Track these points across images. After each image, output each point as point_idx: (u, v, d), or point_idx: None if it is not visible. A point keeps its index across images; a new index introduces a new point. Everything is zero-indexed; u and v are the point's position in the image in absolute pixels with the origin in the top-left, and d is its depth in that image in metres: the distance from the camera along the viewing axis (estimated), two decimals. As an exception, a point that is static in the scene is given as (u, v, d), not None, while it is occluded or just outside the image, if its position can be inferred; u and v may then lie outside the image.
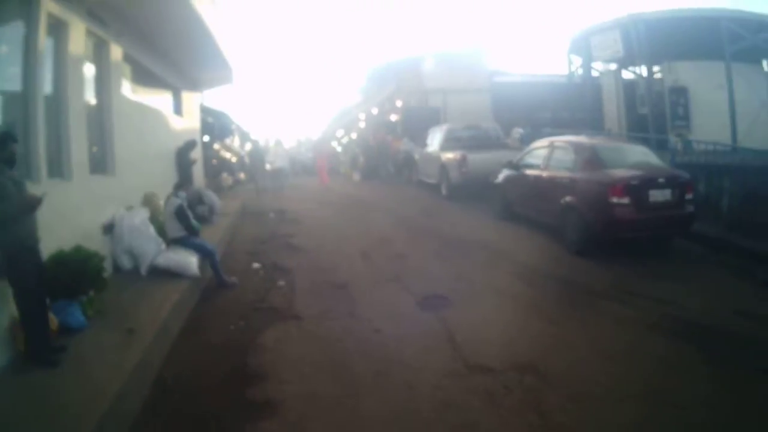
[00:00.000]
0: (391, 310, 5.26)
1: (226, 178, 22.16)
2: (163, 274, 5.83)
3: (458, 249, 7.74)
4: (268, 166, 24.12)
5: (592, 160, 7.61)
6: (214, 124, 22.68)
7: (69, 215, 4.96)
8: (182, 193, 6.59)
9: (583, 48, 19.55)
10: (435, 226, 9.58)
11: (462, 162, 12.07)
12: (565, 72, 21.41)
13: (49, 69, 5.07)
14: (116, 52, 6.88)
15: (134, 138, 7.48)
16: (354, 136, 29.16)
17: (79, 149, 5.46)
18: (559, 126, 17.79)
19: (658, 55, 16.90)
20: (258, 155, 21.78)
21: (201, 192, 9.96)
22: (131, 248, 6.05)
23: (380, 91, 25.74)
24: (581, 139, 9.07)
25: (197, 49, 9.78)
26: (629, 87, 20.04)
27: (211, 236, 8.11)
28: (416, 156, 15.84)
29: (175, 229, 6.25)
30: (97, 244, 5.45)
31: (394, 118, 23.30)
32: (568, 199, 7.56)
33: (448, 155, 12.89)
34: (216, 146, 24.64)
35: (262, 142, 56.08)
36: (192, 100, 12.23)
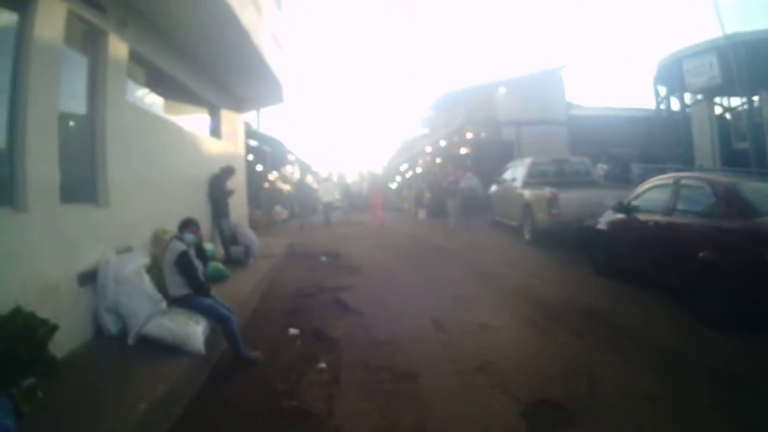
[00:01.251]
0: (485, 427, 3.48)
1: (280, 212, 21.15)
2: (158, 346, 4.31)
3: (560, 319, 5.80)
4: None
5: (739, 203, 5.62)
6: (268, 153, 21.96)
7: (19, 259, 3.60)
8: (189, 236, 4.95)
9: (674, 75, 17.41)
10: (522, 283, 7.68)
11: (552, 202, 10.15)
12: (650, 103, 19.47)
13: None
14: (117, 47, 5.47)
15: (142, 159, 6.07)
16: (419, 170, 27.65)
17: (42, 169, 4.03)
18: (647, 162, 15.93)
19: (760, 81, 14.47)
20: (304, 188, 20.57)
21: (236, 229, 8.56)
22: (117, 306, 4.61)
23: (448, 122, 24.26)
24: (719, 176, 7.08)
25: (239, 60, 8.56)
26: (722, 119, 17.88)
27: (240, 286, 6.69)
28: (492, 194, 14.01)
29: (177, 285, 4.73)
30: (65, 300, 4.12)
31: (463, 151, 21.65)
32: (705, 254, 5.55)
33: (534, 193, 11.02)
34: (271, 176, 23.89)
35: (324, 175, 55.85)
36: (234, 121, 10.98)
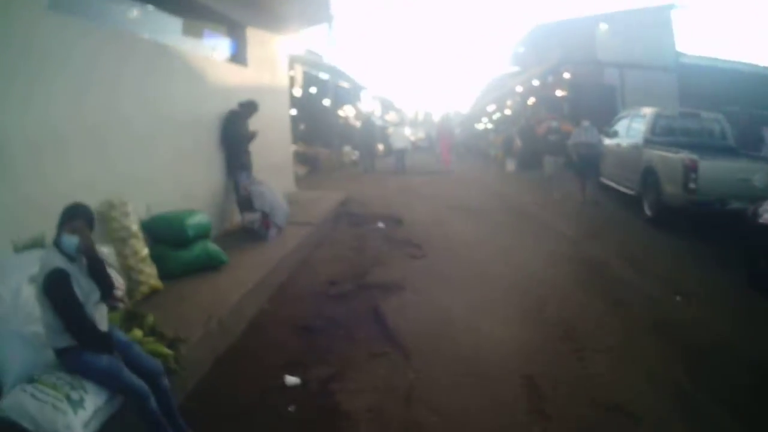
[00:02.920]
0: None
1: (348, 153, 18.85)
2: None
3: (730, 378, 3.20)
4: (380, 146, 20.87)
5: None
6: (337, 86, 19.46)
7: None
8: (70, 239, 2.52)
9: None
10: (658, 301, 4.96)
11: (690, 172, 7.20)
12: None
13: None
14: None
15: (83, 96, 4.04)
16: (508, 112, 24.09)
17: None
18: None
19: None
20: (368, 128, 18.08)
21: (251, 189, 6.28)
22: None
23: (541, 61, 20.64)
24: None
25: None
26: None
27: (233, 282, 4.55)
28: (601, 150, 10.80)
29: (54, 329, 2.50)
30: None
31: (559, 93, 18.13)
32: None
33: (662, 156, 7.98)
34: (342, 112, 21.47)
35: (410, 115, 52.80)
36: (268, 44, 8.40)
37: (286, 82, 9.53)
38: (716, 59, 18.76)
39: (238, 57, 7.50)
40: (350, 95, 21.68)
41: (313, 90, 16.87)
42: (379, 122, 25.66)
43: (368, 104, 29.66)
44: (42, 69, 3.57)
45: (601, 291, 5.17)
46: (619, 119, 10.52)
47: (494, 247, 6.78)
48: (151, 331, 3.24)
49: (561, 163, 12.68)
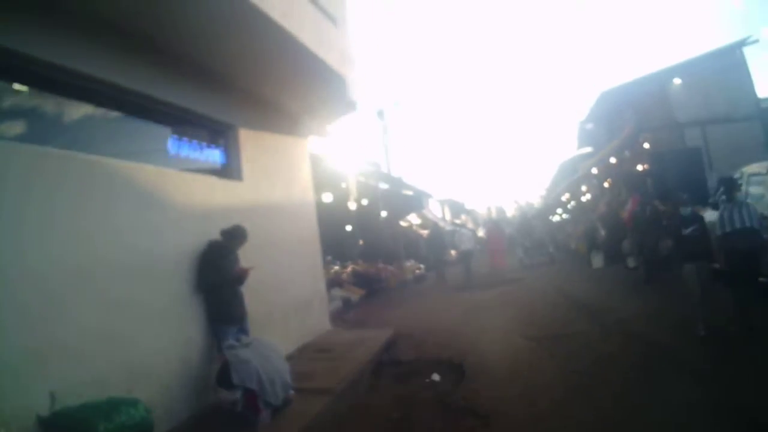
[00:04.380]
0: None
1: (411, 267, 16.88)
2: None
3: None
4: (452, 252, 18.98)
5: None
6: (407, 197, 18.12)
7: None
8: None
9: None
10: None
11: None
12: None
13: None
14: None
15: None
16: (585, 198, 21.57)
17: None
18: None
19: None
20: (438, 238, 16.42)
21: (229, 353, 4.33)
22: None
23: (611, 133, 18.59)
24: None
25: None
26: None
27: None
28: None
29: None
30: None
31: (640, 168, 15.68)
32: None
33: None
34: (404, 222, 19.90)
35: (483, 213, 51.24)
36: (279, 149, 7.03)
37: (309, 194, 7.93)
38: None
39: (227, 168, 5.98)
40: (414, 203, 20.23)
41: (369, 202, 15.48)
42: (449, 227, 23.90)
43: (435, 210, 28.26)
44: None
45: None
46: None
47: (607, 416, 4.32)
48: None
49: (707, 270, 6.46)
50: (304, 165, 7.88)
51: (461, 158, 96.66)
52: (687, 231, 6.17)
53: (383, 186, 16.02)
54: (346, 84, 6.30)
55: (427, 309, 10.18)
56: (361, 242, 16.38)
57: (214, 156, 5.93)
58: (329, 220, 14.00)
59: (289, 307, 6.45)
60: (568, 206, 24.93)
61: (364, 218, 15.50)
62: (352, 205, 14.85)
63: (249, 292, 5.22)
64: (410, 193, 18.52)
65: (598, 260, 14.14)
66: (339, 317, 9.92)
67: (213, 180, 5.62)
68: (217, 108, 5.75)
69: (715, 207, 7.49)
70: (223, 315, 4.78)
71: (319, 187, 12.12)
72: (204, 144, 5.75)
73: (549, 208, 30.47)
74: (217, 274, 4.82)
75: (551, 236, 22.27)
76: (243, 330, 5.02)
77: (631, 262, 11.99)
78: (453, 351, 6.46)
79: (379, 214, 15.80)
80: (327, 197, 12.65)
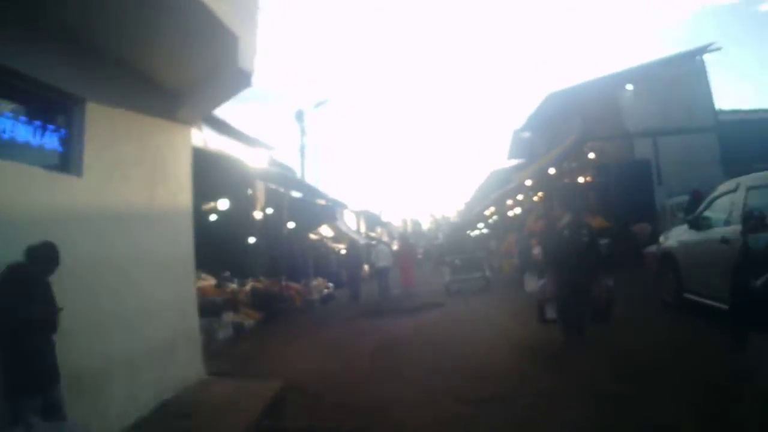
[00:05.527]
0: None
1: (319, 286, 15.36)
2: None
3: None
4: (366, 267, 18.04)
5: None
6: (320, 207, 16.73)
7: None
8: None
9: None
10: None
11: None
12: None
13: None
14: None
15: None
16: (514, 212, 20.98)
17: None
18: None
19: None
20: (355, 253, 15.29)
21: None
22: None
23: (551, 144, 17.95)
24: None
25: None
26: None
27: None
28: (675, 249, 7.33)
29: None
30: None
31: (581, 180, 15.26)
32: None
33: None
34: (314, 235, 18.44)
35: (399, 225, 50.83)
36: (144, 135, 5.32)
37: (186, 198, 6.15)
38: (758, 110, 16.22)
39: (64, 158, 4.28)
40: (328, 213, 18.81)
41: (275, 211, 13.85)
42: (362, 241, 22.71)
43: (350, 221, 27.08)
44: None
45: None
46: (709, 198, 6.88)
47: None
48: None
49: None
50: (183, 160, 6.10)
51: (382, 167, 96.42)
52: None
53: (296, 194, 14.52)
54: (237, 46, 4.71)
55: (331, 342, 8.66)
56: (262, 258, 14.69)
57: (49, 140, 4.25)
58: (228, 231, 12.32)
59: (140, 356, 4.74)
60: (490, 221, 24.38)
61: (270, 229, 13.86)
62: (258, 215, 13.26)
63: (71, 339, 3.59)
64: (324, 202, 17.13)
65: (532, 282, 13.08)
66: (226, 350, 8.28)
67: (34, 173, 3.89)
68: (59, 72, 4.07)
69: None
70: (18, 380, 3.09)
71: (214, 191, 10.49)
72: (37, 123, 4.08)
73: (467, 222, 30.05)
74: (15, 316, 3.14)
75: (487, 254, 18.76)
76: (50, 403, 3.36)
77: (549, 312, 7.47)
78: (358, 417, 4.98)
79: (285, 225, 14.17)
80: (223, 204, 10.95)
